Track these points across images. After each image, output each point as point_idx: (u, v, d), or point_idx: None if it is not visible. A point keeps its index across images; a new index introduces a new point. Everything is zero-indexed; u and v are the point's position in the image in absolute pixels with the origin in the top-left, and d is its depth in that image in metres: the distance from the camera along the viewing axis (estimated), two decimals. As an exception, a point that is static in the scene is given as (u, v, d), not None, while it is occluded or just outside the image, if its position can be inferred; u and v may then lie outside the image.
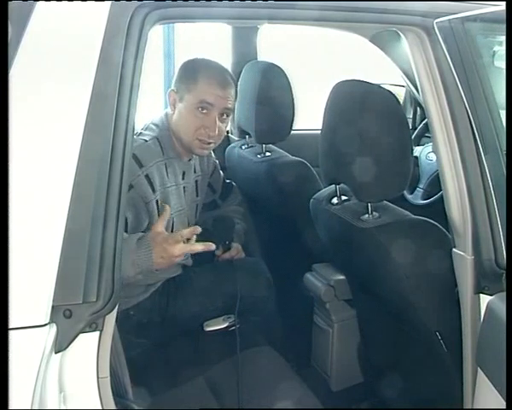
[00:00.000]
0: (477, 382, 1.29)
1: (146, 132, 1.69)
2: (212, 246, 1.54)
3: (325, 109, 1.52)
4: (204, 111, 1.68)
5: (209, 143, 1.72)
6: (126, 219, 1.55)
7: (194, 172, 1.85)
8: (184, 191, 1.78)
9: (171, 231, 1.71)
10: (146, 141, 1.66)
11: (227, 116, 1.73)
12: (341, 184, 1.55)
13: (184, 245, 1.50)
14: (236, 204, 2.08)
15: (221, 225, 1.93)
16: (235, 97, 1.76)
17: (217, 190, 2.04)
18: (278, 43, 3.82)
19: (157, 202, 1.64)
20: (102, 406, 1.04)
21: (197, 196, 1.88)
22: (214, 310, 1.75)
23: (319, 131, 1.55)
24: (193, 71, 1.70)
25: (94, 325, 1.01)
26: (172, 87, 1.73)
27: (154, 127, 1.72)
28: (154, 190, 1.62)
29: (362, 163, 1.37)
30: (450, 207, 1.33)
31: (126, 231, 1.56)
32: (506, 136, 1.23)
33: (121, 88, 1.04)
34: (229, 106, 1.72)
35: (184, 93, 1.69)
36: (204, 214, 2.00)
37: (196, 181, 1.87)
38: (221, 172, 2.06)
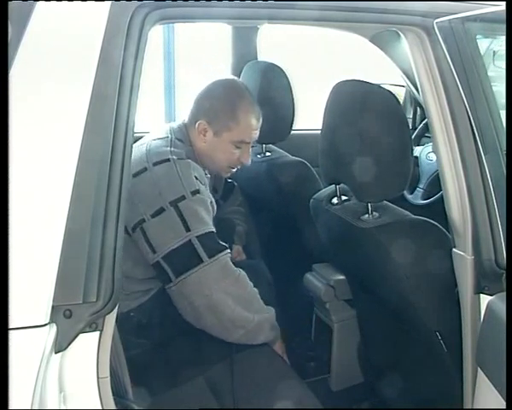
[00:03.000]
0: (477, 382, 1.29)
1: (176, 150, 1.65)
2: None
3: (325, 109, 1.52)
4: (241, 147, 1.72)
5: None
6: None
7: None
8: None
9: None
10: (188, 160, 1.63)
11: None
12: (341, 184, 1.55)
13: None
14: (237, 205, 2.08)
15: (222, 226, 1.93)
16: None
17: (218, 190, 2.04)
18: (278, 43, 3.82)
19: None
20: (102, 406, 1.04)
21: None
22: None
23: (319, 131, 1.55)
24: (231, 109, 1.69)
25: (94, 325, 1.01)
26: (203, 119, 1.70)
27: (179, 143, 1.69)
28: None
29: (362, 163, 1.37)
30: (450, 207, 1.33)
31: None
32: (506, 136, 1.23)
33: (121, 88, 1.04)
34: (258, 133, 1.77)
35: (222, 129, 1.69)
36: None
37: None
38: None
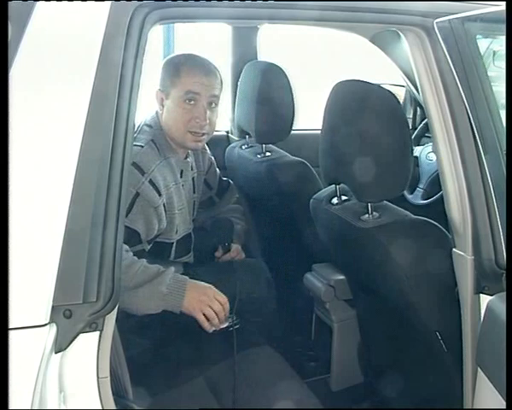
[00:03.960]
0: (477, 382, 1.29)
1: (140, 136, 1.68)
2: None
3: (325, 109, 1.52)
4: (191, 102, 1.69)
5: (202, 135, 1.73)
6: (137, 231, 1.57)
7: (191, 169, 1.86)
8: (183, 189, 1.79)
9: (176, 232, 1.72)
10: (142, 147, 1.65)
11: (215, 105, 1.75)
12: (341, 184, 1.55)
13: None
14: (234, 202, 2.08)
15: (220, 226, 1.93)
16: (221, 85, 1.78)
17: (213, 186, 2.04)
18: (278, 43, 3.81)
19: (164, 204, 1.66)
20: (102, 406, 1.04)
21: (194, 192, 1.89)
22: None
23: (319, 131, 1.55)
24: (175, 65, 1.72)
25: (94, 325, 1.01)
26: (158, 88, 1.74)
27: (147, 129, 1.72)
28: (160, 194, 1.64)
29: (362, 163, 1.37)
30: (450, 207, 1.33)
31: (141, 242, 1.59)
32: (506, 136, 1.23)
33: (121, 88, 1.04)
34: (216, 93, 1.73)
35: (170, 89, 1.71)
36: (202, 214, 2.00)
37: (193, 178, 1.88)
38: (217, 169, 2.06)
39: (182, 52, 1.84)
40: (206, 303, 1.55)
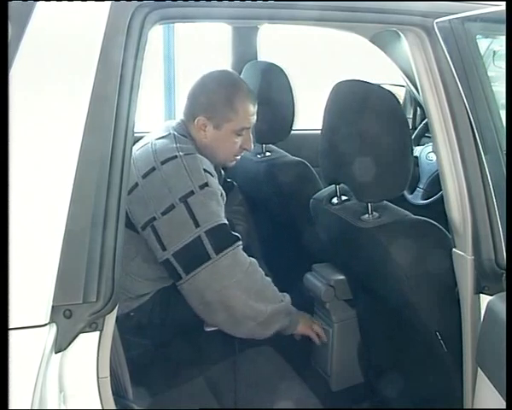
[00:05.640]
0: (477, 382, 1.29)
1: (183, 146, 1.65)
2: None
3: (325, 109, 1.52)
4: (242, 134, 1.73)
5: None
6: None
7: None
8: None
9: None
10: (195, 154, 1.64)
11: None
12: (341, 184, 1.55)
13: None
14: (237, 204, 2.08)
15: None
16: None
17: None
18: (278, 43, 3.81)
19: None
20: (102, 406, 1.04)
21: None
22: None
23: (319, 131, 1.55)
24: (229, 100, 1.70)
25: (94, 325, 1.01)
26: (202, 114, 1.70)
27: (183, 139, 1.69)
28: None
29: (362, 163, 1.38)
30: (450, 207, 1.33)
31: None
32: (506, 136, 1.23)
33: (121, 88, 1.04)
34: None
35: (223, 122, 1.70)
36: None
37: None
38: (221, 170, 2.06)
39: (221, 70, 1.82)
40: (312, 323, 1.74)
